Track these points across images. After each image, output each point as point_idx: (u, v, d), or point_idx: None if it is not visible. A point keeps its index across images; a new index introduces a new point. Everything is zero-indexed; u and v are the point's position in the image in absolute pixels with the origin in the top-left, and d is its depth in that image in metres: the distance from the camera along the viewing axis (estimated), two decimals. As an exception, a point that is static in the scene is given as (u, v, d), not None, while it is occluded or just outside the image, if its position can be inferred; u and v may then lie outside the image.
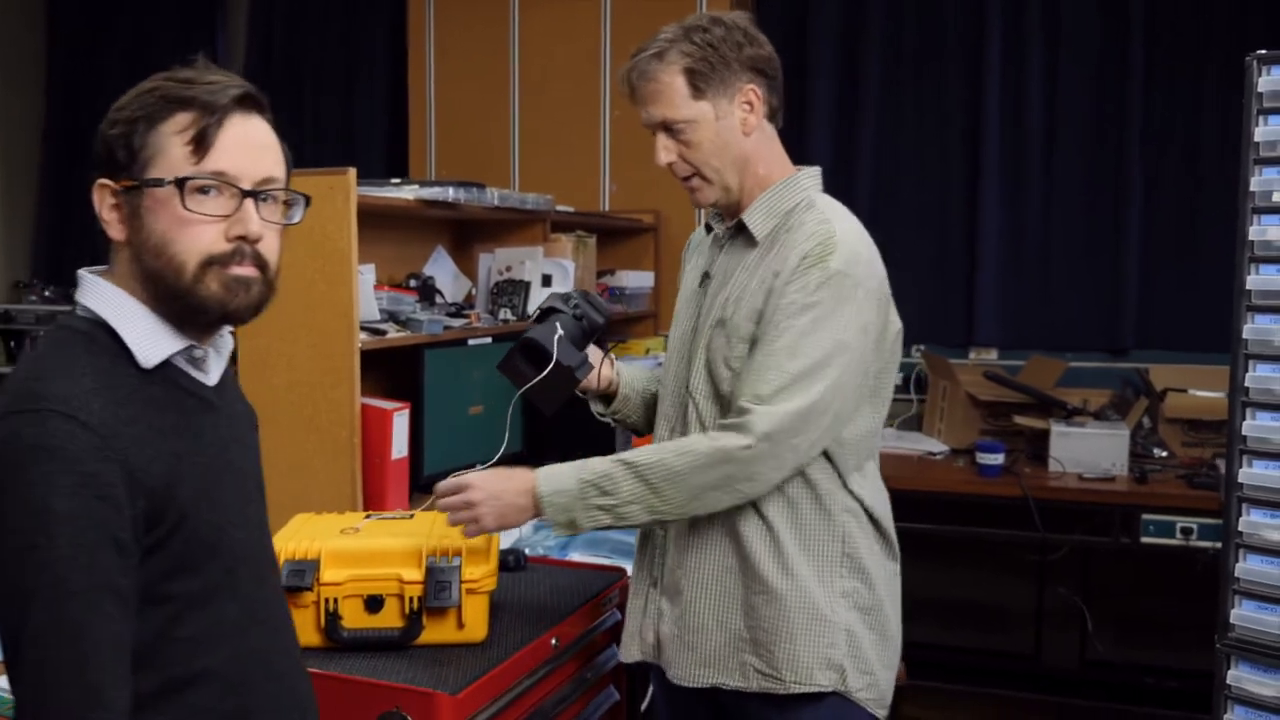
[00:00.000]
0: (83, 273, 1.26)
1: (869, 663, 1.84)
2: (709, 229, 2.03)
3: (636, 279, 4.23)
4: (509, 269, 3.38)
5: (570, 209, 3.82)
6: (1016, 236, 4.30)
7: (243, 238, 1.22)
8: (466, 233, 3.52)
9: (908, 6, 4.42)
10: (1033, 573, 4.20)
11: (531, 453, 3.20)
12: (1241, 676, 2.50)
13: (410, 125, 4.83)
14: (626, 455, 1.79)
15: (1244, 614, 2.50)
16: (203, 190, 1.21)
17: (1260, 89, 2.44)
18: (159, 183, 1.20)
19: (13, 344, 5.26)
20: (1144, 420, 3.86)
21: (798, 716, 1.82)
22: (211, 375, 1.31)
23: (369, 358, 2.54)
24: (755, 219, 1.89)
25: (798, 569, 1.80)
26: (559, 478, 1.80)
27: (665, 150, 1.87)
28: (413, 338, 2.77)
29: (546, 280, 3.37)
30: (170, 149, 1.21)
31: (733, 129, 1.85)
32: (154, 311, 1.23)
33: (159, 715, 1.19)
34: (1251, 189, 2.47)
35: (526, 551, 2.42)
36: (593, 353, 2.09)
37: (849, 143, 4.48)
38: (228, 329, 1.34)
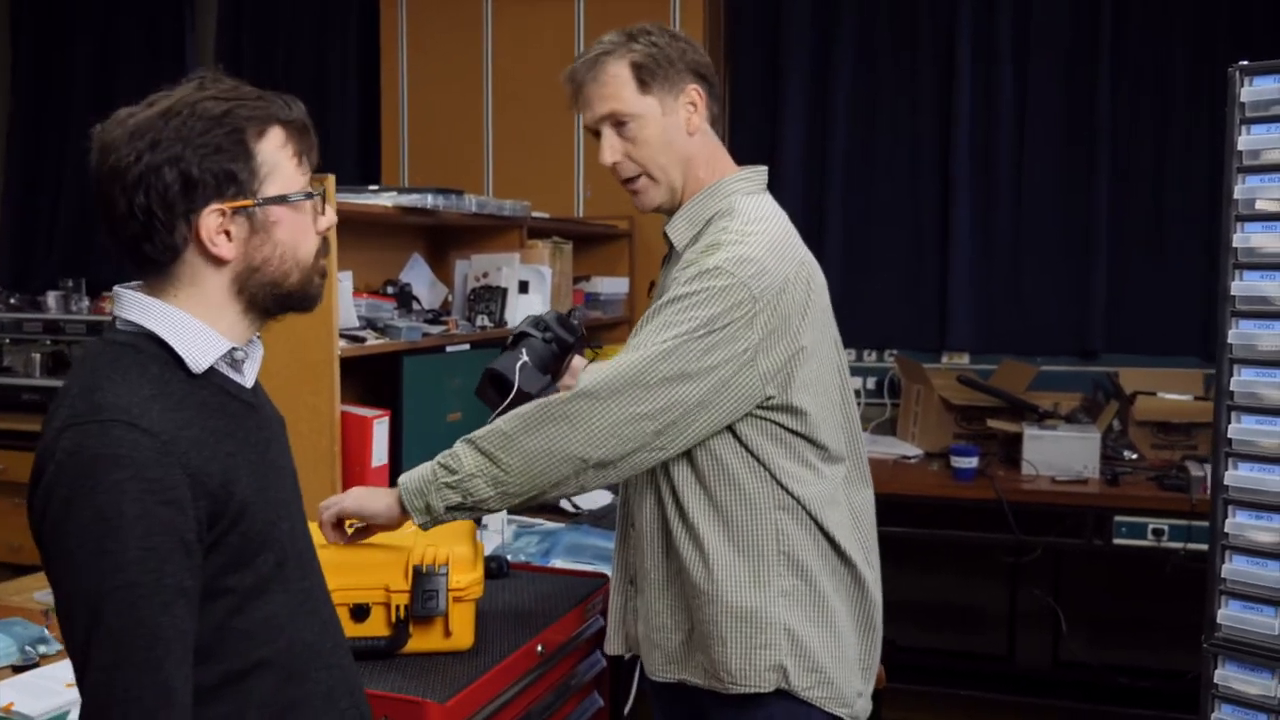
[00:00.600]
0: (121, 290, 1.28)
1: (817, 661, 1.81)
2: None
3: (611, 285, 4.24)
4: (485, 275, 3.37)
5: (545, 215, 3.82)
6: (988, 241, 4.34)
7: (327, 229, 1.36)
8: (442, 239, 3.52)
9: (880, 12, 4.44)
10: (1005, 574, 4.24)
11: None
12: (1228, 675, 2.53)
13: (383, 130, 4.81)
14: (471, 435, 1.79)
15: (1230, 614, 2.53)
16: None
17: (1243, 99, 2.48)
18: (309, 195, 1.30)
19: (-22, 353, 5.19)
20: (1114, 423, 3.91)
21: (748, 715, 1.82)
22: (248, 378, 1.35)
23: (347, 365, 2.53)
24: (677, 229, 1.90)
25: (728, 570, 1.80)
26: (418, 467, 1.81)
27: (611, 148, 1.87)
28: (391, 345, 2.76)
29: (523, 286, 3.37)
30: (283, 163, 1.28)
31: (678, 127, 1.86)
32: (222, 318, 1.28)
33: (220, 705, 1.23)
34: (1235, 197, 2.51)
35: (509, 558, 2.42)
36: (578, 365, 2.10)
37: (821, 149, 4.49)
38: (257, 334, 1.38)
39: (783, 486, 1.80)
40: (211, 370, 1.28)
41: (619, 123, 1.85)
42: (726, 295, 1.71)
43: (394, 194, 2.81)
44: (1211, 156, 4.06)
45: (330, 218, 1.35)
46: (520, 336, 2.06)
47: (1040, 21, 4.26)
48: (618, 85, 1.84)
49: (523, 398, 1.96)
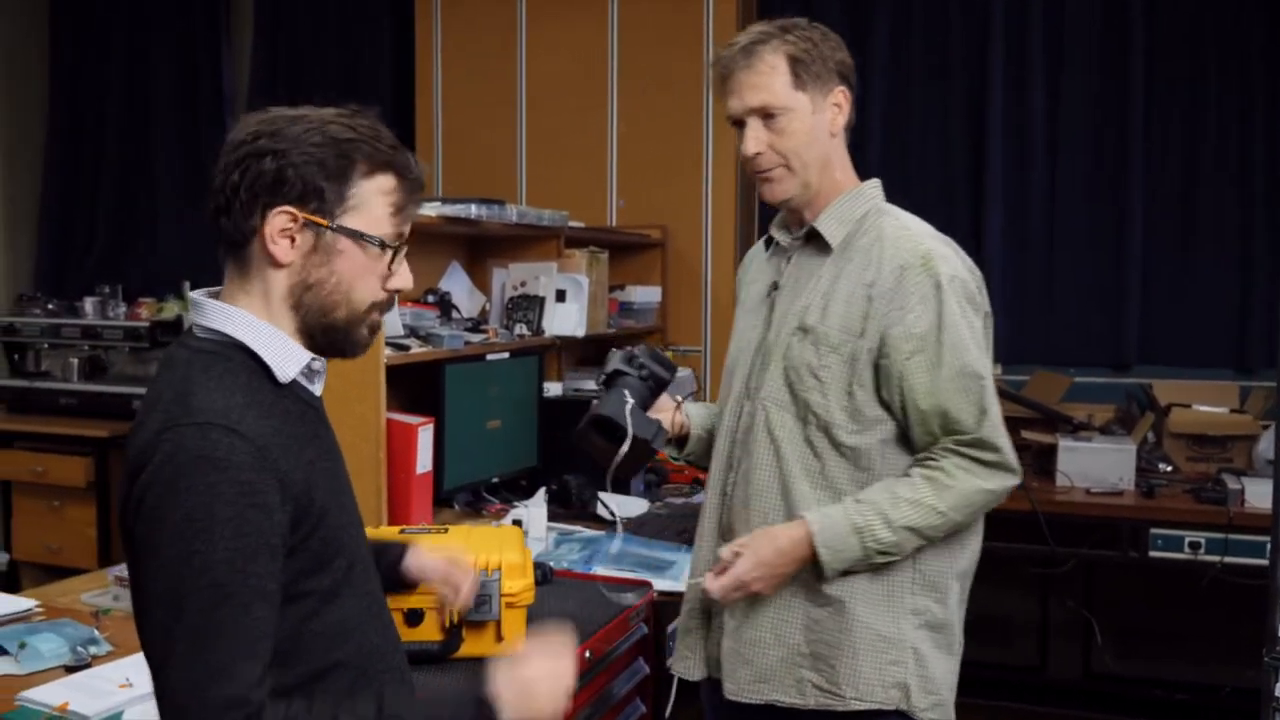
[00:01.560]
0: (199, 297, 1.32)
1: (935, 683, 1.82)
2: (768, 243, 2.03)
3: (644, 294, 4.27)
4: (523, 284, 3.41)
5: (580, 224, 3.85)
6: (1020, 253, 4.33)
7: (397, 290, 1.35)
8: (479, 247, 3.55)
9: (914, 24, 4.44)
10: (1037, 585, 4.23)
11: (547, 467, 3.23)
12: (1290, 689, 2.52)
13: (417, 139, 4.85)
14: (908, 519, 1.76)
15: (1293, 627, 2.52)
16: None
17: None
18: (382, 244, 1.30)
19: (16, 356, 5.24)
20: (1149, 435, 3.90)
21: None
22: (318, 388, 1.38)
23: (389, 373, 2.56)
24: (828, 226, 1.88)
25: (862, 583, 1.80)
26: (840, 543, 1.76)
27: (755, 140, 1.84)
28: (434, 353, 2.79)
29: (561, 295, 3.41)
30: (375, 205, 1.29)
31: (823, 126, 1.86)
32: (282, 330, 1.30)
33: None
34: None
35: (552, 565, 2.44)
36: (666, 403, 2.06)
37: (853, 157, 4.48)
38: None
39: None
40: (293, 380, 1.31)
41: (768, 115, 1.83)
42: (966, 297, 1.83)
43: (438, 204, 2.84)
44: (1245, 168, 4.06)
45: (402, 280, 1.34)
46: (615, 375, 1.98)
47: (1073, 32, 4.25)
48: (773, 76, 1.82)
49: (638, 444, 1.89)
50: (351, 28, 5.23)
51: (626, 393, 1.92)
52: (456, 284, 3.36)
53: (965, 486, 1.77)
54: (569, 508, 3.02)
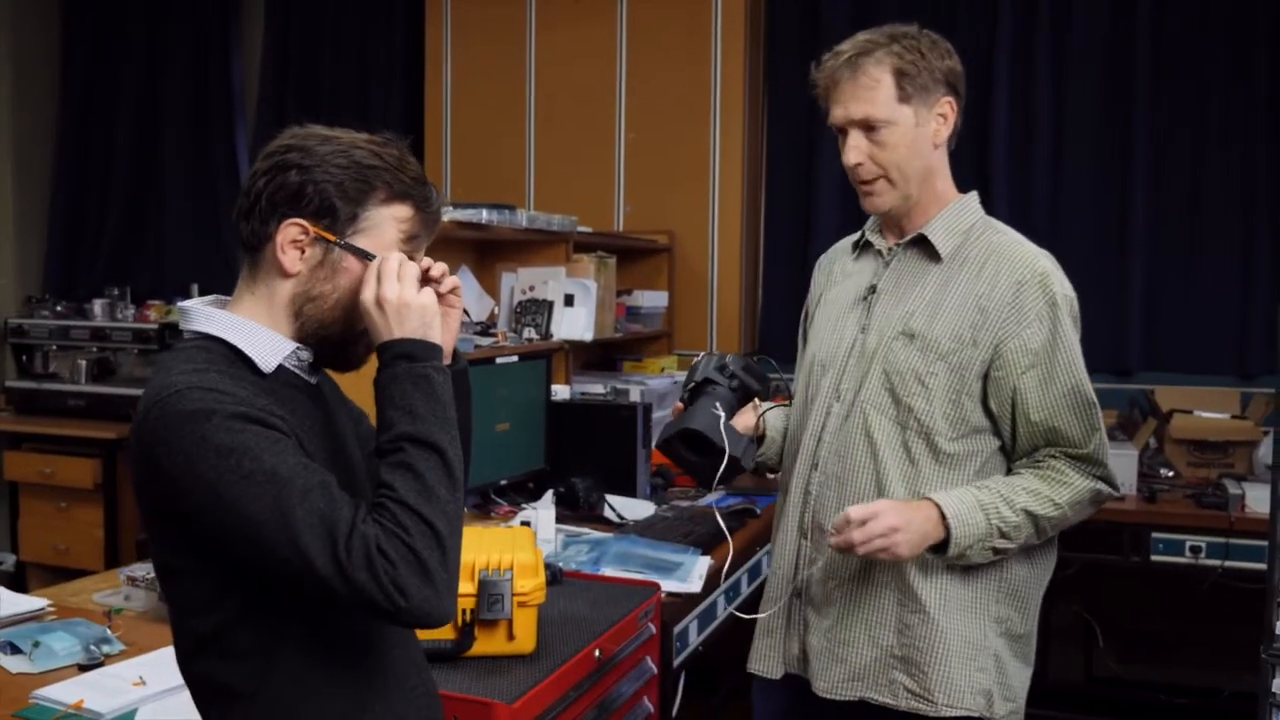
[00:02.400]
0: (184, 305, 1.35)
1: (1014, 690, 1.85)
2: (857, 246, 2.03)
3: (652, 298, 4.30)
4: (532, 288, 3.44)
5: (588, 229, 3.88)
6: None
7: None
8: (489, 252, 3.58)
9: (922, 19, 4.44)
10: (1040, 590, 4.25)
11: (555, 468, 3.25)
12: (1286, 685, 2.54)
13: (426, 145, 4.89)
14: (1028, 504, 1.79)
15: (1290, 626, 2.54)
16: None
17: None
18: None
19: (25, 358, 5.28)
20: (1150, 441, 3.92)
21: None
22: (313, 377, 1.39)
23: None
24: (938, 235, 1.90)
25: (952, 589, 1.82)
26: (969, 516, 1.77)
27: (855, 150, 1.85)
28: (444, 356, 2.81)
29: (569, 300, 3.43)
30: (386, 231, 1.33)
31: (926, 138, 1.86)
32: (272, 328, 1.33)
33: (312, 676, 1.30)
34: None
35: (561, 566, 2.47)
36: (749, 411, 2.03)
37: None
38: None
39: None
40: (280, 368, 1.33)
41: (870, 127, 1.84)
42: (1074, 314, 1.88)
43: (448, 208, 2.87)
44: (1249, 175, 4.08)
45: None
46: (705, 384, 1.93)
47: (1078, 37, 4.26)
48: (876, 90, 1.82)
49: (732, 461, 1.85)
50: (362, 34, 5.28)
51: (718, 404, 1.87)
52: (466, 288, 3.37)
53: (1079, 484, 1.82)
54: (576, 510, 3.04)
